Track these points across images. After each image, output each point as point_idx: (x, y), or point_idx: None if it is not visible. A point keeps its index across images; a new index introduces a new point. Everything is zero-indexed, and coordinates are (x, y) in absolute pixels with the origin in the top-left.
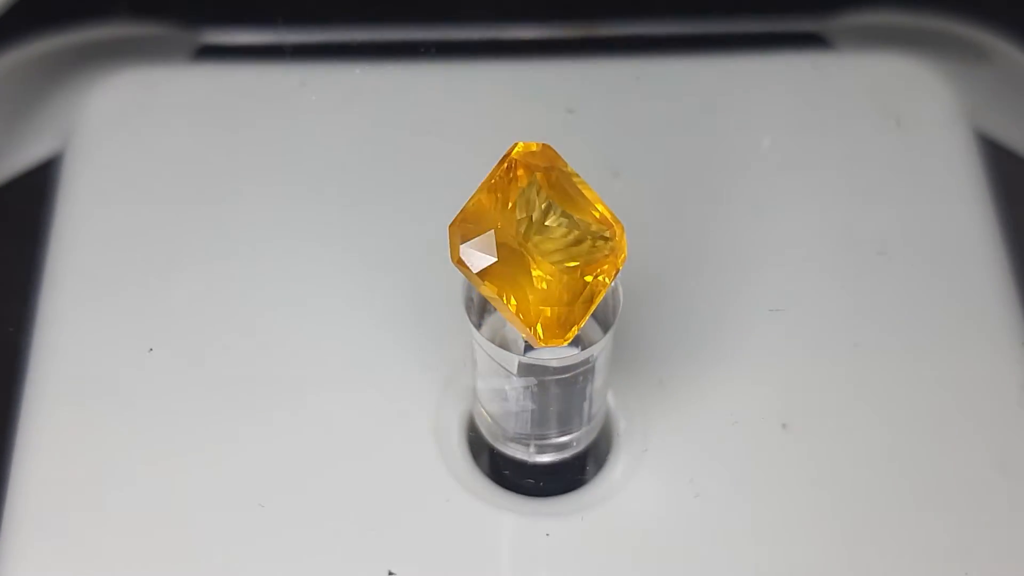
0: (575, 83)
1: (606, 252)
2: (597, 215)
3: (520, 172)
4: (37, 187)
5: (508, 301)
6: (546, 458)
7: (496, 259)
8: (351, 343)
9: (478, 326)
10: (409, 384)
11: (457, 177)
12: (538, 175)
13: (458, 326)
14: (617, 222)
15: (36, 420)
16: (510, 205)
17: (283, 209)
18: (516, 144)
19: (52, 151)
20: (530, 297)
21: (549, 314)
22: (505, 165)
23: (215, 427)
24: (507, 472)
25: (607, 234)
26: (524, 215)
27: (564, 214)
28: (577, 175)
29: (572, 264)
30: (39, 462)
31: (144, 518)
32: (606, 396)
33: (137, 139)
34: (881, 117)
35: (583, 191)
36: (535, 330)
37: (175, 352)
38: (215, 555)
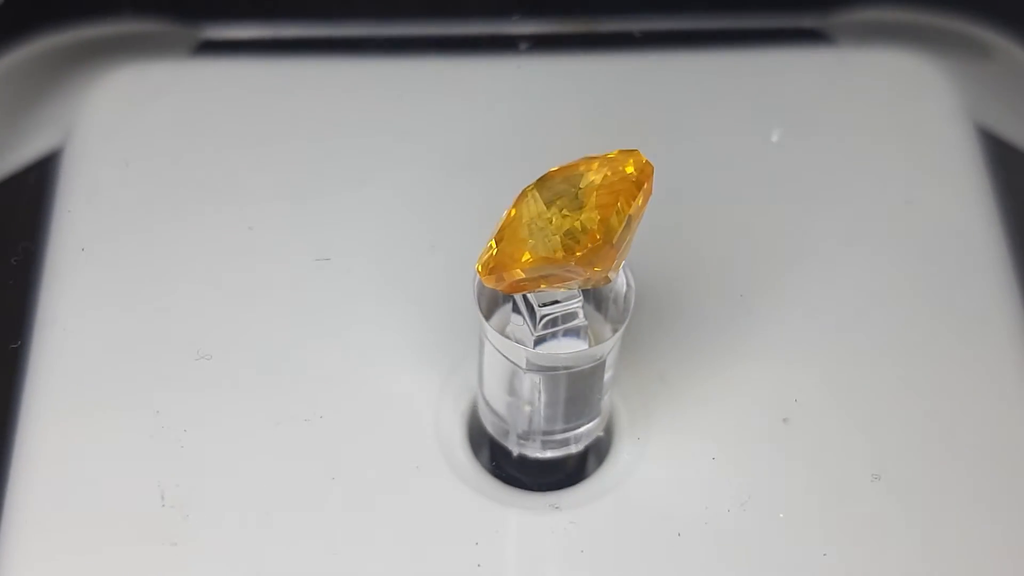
0: (576, 78)
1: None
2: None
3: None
4: (37, 182)
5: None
6: (549, 453)
7: None
8: (354, 335)
9: (487, 317)
10: (410, 377)
11: (459, 172)
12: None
13: (462, 320)
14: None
15: (36, 418)
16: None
17: (284, 204)
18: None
19: (53, 146)
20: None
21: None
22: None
23: (216, 421)
24: (508, 466)
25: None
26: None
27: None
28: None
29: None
30: (38, 462)
31: (144, 516)
32: (610, 393)
33: (137, 134)
34: (882, 113)
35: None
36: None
37: (176, 348)
38: (214, 544)
